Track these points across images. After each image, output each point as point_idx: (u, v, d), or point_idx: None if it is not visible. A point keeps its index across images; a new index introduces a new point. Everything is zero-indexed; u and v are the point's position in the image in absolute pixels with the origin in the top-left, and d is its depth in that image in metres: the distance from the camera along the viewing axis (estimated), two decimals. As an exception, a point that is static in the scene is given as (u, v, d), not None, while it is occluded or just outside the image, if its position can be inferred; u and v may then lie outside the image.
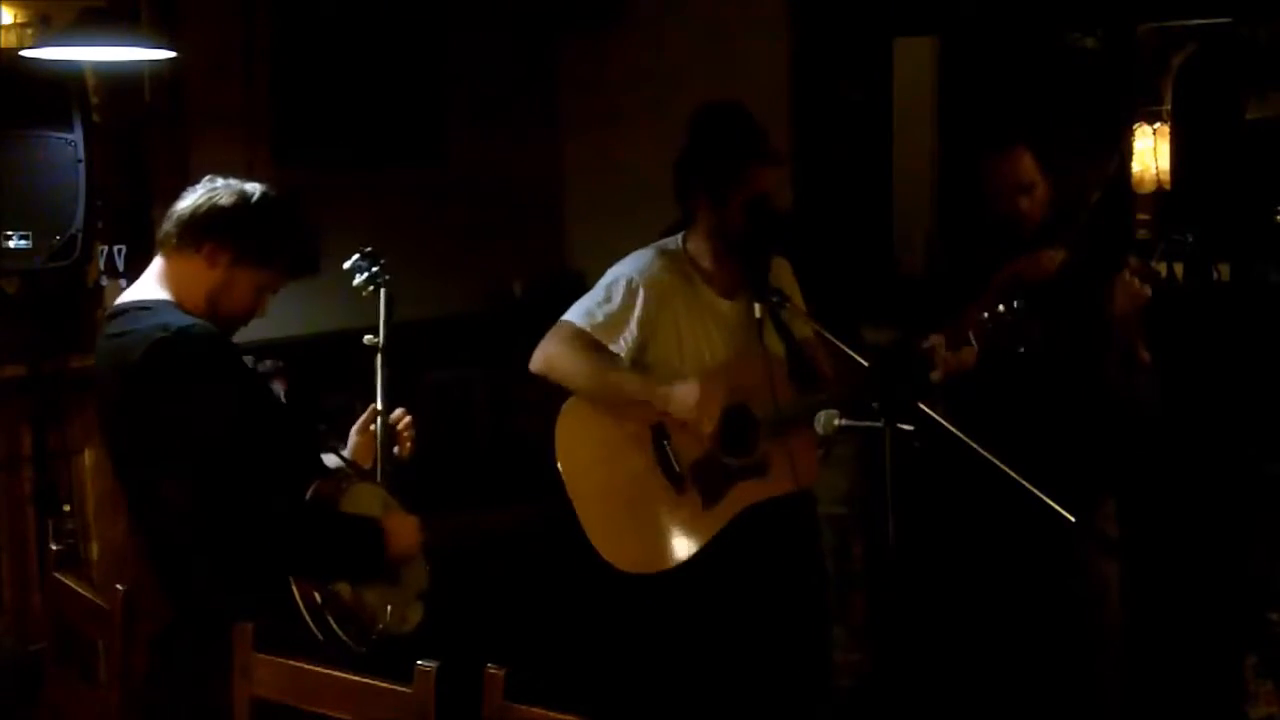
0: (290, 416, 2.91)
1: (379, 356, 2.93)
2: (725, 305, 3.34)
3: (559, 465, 3.24)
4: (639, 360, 3.29)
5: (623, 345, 3.26)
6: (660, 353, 3.29)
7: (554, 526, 3.31)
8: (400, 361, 2.94)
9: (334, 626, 2.57)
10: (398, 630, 2.72)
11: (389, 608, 2.71)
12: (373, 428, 2.94)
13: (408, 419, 2.96)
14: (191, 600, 2.66)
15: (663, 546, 3.23)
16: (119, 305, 2.70)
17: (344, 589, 2.61)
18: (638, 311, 3.25)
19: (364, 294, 3.03)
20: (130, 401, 2.58)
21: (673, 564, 3.22)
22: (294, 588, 2.56)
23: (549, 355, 3.27)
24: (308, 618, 2.56)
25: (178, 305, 2.64)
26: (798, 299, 3.38)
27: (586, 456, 3.26)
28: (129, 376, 2.56)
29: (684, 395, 3.18)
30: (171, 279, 2.68)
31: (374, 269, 3.05)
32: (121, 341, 2.60)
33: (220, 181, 2.72)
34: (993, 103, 5.66)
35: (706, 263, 3.33)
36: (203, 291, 2.67)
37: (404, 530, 2.75)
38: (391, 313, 2.99)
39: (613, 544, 3.21)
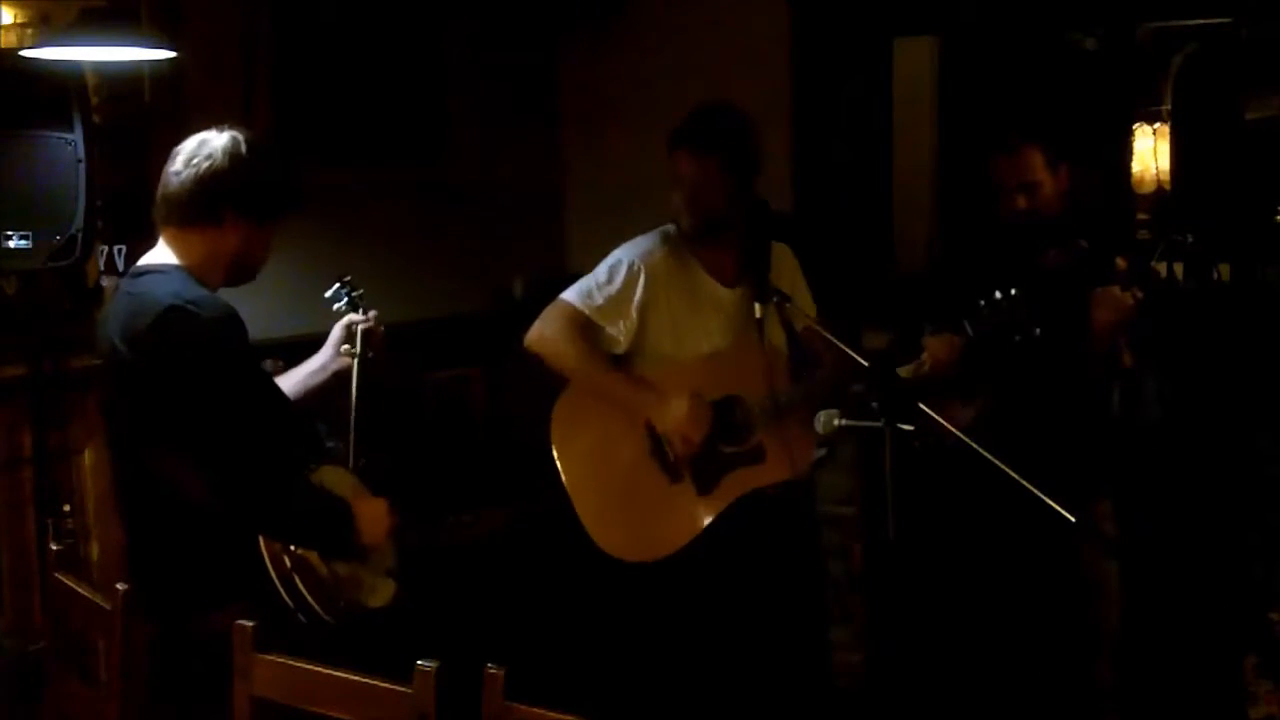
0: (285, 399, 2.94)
1: (355, 362, 3.02)
2: (724, 292, 3.34)
3: (554, 453, 3.24)
4: (635, 345, 3.29)
5: (620, 329, 3.26)
6: (655, 339, 3.29)
7: (553, 525, 3.32)
8: (397, 364, 3.04)
9: (303, 591, 2.61)
10: (367, 603, 2.75)
11: (359, 580, 2.75)
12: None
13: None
14: (167, 589, 2.68)
15: (658, 535, 3.23)
16: (134, 269, 2.73)
17: (313, 556, 2.65)
18: (636, 297, 3.26)
19: (341, 314, 3.09)
20: (136, 369, 2.58)
21: (668, 552, 3.22)
22: (265, 556, 2.60)
23: (544, 336, 3.27)
24: (277, 583, 2.60)
25: (191, 275, 2.66)
26: (801, 284, 3.38)
27: (582, 445, 3.27)
28: (137, 343, 2.57)
29: (673, 411, 3.19)
30: (186, 252, 2.69)
31: (353, 294, 3.11)
32: (132, 304, 2.62)
33: (201, 146, 2.71)
34: (992, 103, 5.65)
35: (705, 249, 3.33)
36: (226, 259, 2.71)
37: (374, 515, 2.78)
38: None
39: (608, 532, 3.22)
